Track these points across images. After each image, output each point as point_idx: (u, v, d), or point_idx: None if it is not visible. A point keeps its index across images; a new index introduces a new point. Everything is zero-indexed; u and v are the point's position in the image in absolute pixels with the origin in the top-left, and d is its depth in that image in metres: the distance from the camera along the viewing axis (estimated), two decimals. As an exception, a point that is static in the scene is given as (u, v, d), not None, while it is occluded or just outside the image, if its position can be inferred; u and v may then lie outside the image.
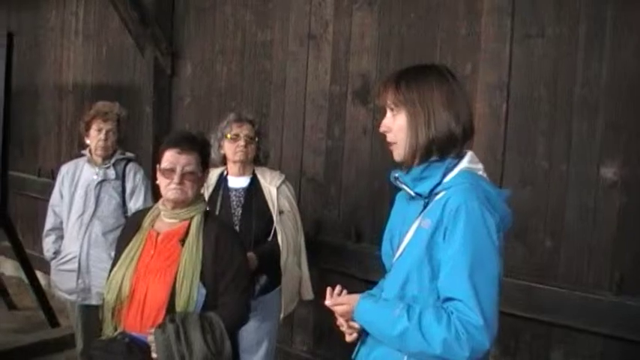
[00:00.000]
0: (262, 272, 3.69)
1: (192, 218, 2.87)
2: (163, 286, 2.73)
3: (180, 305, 2.69)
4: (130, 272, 2.80)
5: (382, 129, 2.18)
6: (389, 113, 2.15)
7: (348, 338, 2.24)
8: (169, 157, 2.83)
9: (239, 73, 5.14)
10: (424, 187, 2.06)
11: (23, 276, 6.25)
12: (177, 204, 2.86)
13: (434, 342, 1.88)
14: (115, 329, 2.82)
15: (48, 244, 4.42)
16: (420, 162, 2.08)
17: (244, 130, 3.80)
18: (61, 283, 4.36)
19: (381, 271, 2.34)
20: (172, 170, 2.81)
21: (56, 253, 4.37)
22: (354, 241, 4.34)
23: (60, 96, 7.11)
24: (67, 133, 7.00)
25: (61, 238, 4.38)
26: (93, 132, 4.26)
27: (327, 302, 2.20)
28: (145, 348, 2.67)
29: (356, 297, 2.15)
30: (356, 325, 2.17)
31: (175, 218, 2.89)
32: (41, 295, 5.96)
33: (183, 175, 2.81)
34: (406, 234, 2.10)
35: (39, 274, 6.20)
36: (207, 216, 2.94)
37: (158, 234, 2.88)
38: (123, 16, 5.51)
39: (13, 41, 5.60)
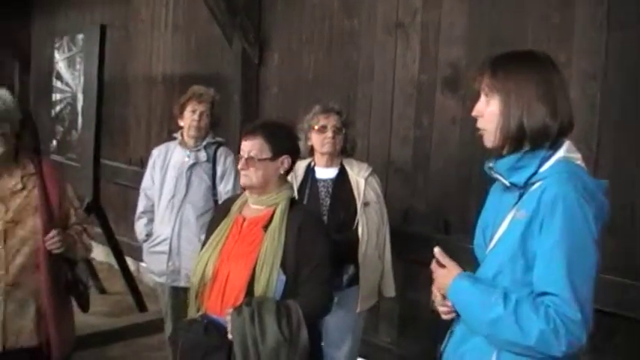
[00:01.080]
0: (349, 263, 3.68)
1: (277, 205, 2.88)
2: (244, 270, 2.77)
3: (258, 291, 2.72)
4: (214, 256, 2.86)
5: (474, 113, 2.12)
6: (482, 98, 2.08)
7: (445, 316, 2.18)
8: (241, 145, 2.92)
9: (326, 62, 5.13)
10: (519, 177, 2.00)
11: (113, 262, 6.45)
12: (252, 190, 2.91)
13: (530, 332, 1.83)
14: (198, 311, 2.89)
15: (140, 227, 4.55)
16: (510, 151, 2.02)
17: (331, 121, 3.76)
18: (152, 264, 4.49)
19: (470, 263, 2.29)
20: (241, 157, 2.89)
21: (148, 235, 4.50)
22: (443, 232, 4.28)
23: (150, 87, 7.26)
24: (156, 123, 7.15)
25: (152, 221, 4.49)
26: (187, 113, 4.37)
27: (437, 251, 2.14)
28: (221, 330, 2.72)
29: (457, 268, 2.09)
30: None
31: (261, 204, 2.92)
32: (131, 280, 6.15)
33: (246, 161, 2.85)
34: (500, 225, 2.05)
35: (129, 260, 6.37)
36: (293, 204, 2.94)
37: (244, 219, 2.92)
38: (211, 7, 5.56)
39: (105, 33, 5.74)
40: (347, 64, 4.96)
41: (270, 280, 2.72)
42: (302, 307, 2.69)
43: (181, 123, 4.42)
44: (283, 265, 2.76)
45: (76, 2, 8.54)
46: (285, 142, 2.97)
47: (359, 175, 3.79)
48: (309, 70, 5.30)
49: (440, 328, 2.31)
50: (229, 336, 2.66)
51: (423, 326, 4.35)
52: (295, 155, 3.04)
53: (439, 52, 4.32)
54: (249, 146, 2.87)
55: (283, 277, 2.76)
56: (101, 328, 5.58)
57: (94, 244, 7.55)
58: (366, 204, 3.74)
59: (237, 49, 5.71)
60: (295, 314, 2.66)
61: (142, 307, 6.10)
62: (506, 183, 2.04)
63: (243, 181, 2.89)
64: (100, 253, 7.66)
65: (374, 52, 4.75)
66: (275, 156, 2.89)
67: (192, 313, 2.92)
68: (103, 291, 6.74)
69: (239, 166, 2.88)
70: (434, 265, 2.13)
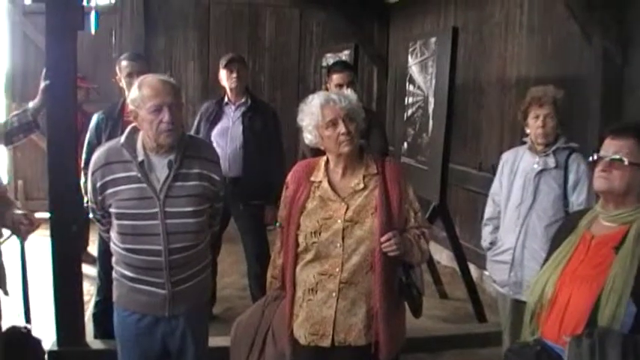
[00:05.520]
0: None
1: (632, 223, 2.51)
2: (588, 296, 2.46)
3: (602, 321, 2.39)
4: (555, 275, 2.60)
5: None
6: None
7: None
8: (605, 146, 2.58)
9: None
10: None
11: (457, 267, 6.39)
12: (609, 198, 2.59)
13: None
14: (533, 334, 2.67)
15: (485, 234, 4.49)
16: None
17: None
18: (495, 273, 4.38)
19: None
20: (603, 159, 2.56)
21: (492, 243, 4.40)
22: None
23: (503, 91, 7.05)
24: (509, 129, 6.93)
25: (497, 228, 4.39)
26: (530, 120, 4.17)
27: None
28: (555, 359, 2.48)
29: None
30: None
31: (613, 221, 2.57)
32: (472, 287, 6.02)
33: (610, 162, 2.52)
34: None
35: (472, 267, 6.27)
36: None
37: (592, 237, 2.60)
38: (568, 3, 5.22)
39: (457, 36, 5.71)
40: None
41: (618, 310, 2.38)
42: None
43: (527, 130, 4.24)
44: (635, 295, 2.39)
45: (431, 8, 8.65)
46: None
47: None
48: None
49: None
50: None
51: None
52: None
53: None
54: (618, 147, 2.53)
55: (634, 309, 2.39)
56: (437, 333, 5.62)
57: (439, 247, 7.67)
58: None
59: (597, 47, 5.24)
60: None
61: (481, 316, 5.93)
62: None
63: (600, 184, 2.57)
64: (445, 258, 7.70)
65: None
66: None
67: (526, 335, 2.71)
68: (444, 295, 6.74)
69: (599, 168, 2.56)
70: None
